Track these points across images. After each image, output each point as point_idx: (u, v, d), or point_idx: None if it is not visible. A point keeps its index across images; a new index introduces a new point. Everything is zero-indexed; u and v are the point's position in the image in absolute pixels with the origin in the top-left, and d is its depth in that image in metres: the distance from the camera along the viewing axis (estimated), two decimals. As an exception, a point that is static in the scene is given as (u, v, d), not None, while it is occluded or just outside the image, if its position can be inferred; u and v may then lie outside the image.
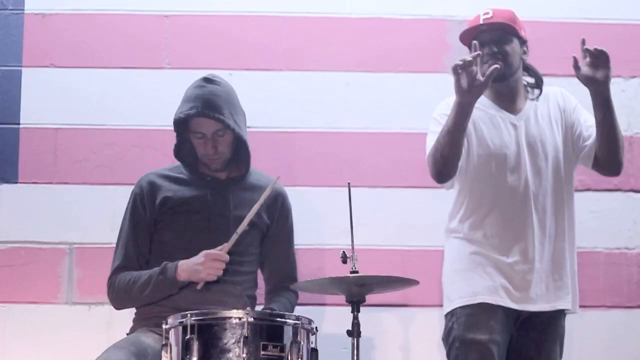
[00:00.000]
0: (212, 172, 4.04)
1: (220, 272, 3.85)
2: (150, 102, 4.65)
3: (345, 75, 4.70)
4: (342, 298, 3.69)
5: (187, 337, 3.40)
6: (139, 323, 3.95)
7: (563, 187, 4.03)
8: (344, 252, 3.66)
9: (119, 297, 3.97)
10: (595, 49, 3.80)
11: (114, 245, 4.06)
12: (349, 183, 3.78)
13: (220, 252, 3.86)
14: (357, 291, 3.64)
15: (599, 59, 3.81)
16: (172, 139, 4.07)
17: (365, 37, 4.73)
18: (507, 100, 4.06)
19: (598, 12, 4.73)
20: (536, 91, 4.10)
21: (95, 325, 4.45)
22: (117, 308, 4.03)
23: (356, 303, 3.65)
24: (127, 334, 3.96)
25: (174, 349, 3.46)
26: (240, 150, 4.05)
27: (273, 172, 4.18)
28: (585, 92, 3.88)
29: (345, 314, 3.68)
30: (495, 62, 3.94)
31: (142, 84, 4.66)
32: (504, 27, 3.99)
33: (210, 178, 4.04)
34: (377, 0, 4.76)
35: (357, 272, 3.61)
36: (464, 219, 4.01)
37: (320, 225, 4.54)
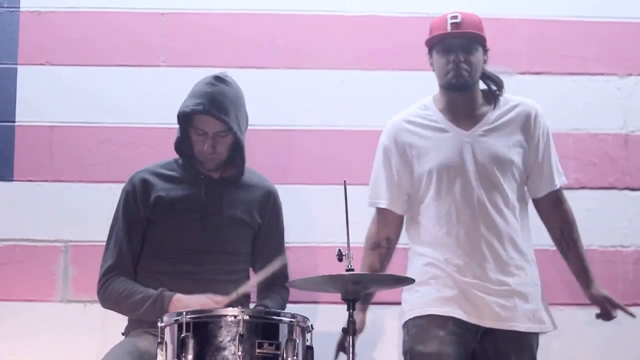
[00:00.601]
0: (206, 170, 4.02)
1: None
2: (146, 100, 4.65)
3: (340, 73, 4.70)
4: (337, 296, 3.69)
5: (183, 335, 3.39)
6: (134, 323, 3.93)
7: (517, 203, 3.95)
8: (340, 250, 3.65)
9: (107, 302, 3.94)
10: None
11: (107, 242, 4.05)
12: (344, 181, 3.78)
13: (220, 303, 3.76)
14: (352, 289, 3.63)
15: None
16: (167, 137, 4.06)
17: (361, 35, 4.72)
18: (462, 111, 3.98)
19: (594, 10, 4.72)
20: (493, 100, 4.00)
21: (91, 323, 4.44)
22: (104, 307, 4.00)
23: (352, 301, 3.64)
24: (122, 334, 3.95)
25: (170, 346, 3.45)
26: (236, 154, 4.01)
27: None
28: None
29: (341, 311, 3.67)
30: (460, 72, 3.90)
31: (137, 82, 4.66)
32: (474, 36, 3.92)
33: (204, 176, 4.02)
34: (373, -2, 4.78)
35: (352, 270, 3.60)
36: (415, 240, 4.00)
37: (316, 223, 4.54)
